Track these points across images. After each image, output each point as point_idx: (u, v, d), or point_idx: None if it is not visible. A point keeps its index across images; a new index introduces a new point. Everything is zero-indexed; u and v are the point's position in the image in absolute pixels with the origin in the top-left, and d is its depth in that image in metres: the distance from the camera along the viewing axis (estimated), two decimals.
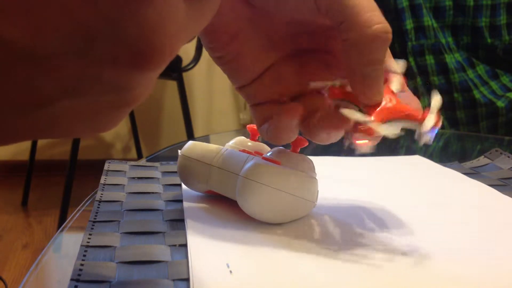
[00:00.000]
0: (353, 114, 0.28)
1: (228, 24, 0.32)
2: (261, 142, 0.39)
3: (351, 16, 0.27)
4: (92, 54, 0.16)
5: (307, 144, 0.35)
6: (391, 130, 0.28)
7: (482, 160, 0.51)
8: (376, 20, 0.27)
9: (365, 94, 0.28)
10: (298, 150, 0.34)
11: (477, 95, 1.34)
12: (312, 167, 0.34)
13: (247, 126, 0.39)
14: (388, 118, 0.28)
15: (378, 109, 0.28)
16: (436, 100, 0.30)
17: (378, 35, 0.27)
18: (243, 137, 0.39)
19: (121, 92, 0.18)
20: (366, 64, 0.28)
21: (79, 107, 0.18)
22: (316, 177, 0.34)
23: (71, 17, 0.15)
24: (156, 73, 0.19)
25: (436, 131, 0.28)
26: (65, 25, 0.16)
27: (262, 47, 0.33)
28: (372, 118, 0.28)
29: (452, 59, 1.36)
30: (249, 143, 0.38)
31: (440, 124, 0.28)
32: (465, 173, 0.47)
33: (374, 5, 0.28)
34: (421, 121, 0.28)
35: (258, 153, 0.36)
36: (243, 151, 0.36)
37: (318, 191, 0.34)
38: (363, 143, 0.29)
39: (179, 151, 0.38)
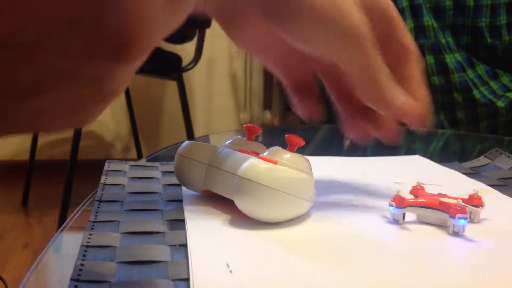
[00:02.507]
0: None
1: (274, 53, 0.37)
2: (259, 142, 0.39)
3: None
4: (71, 45, 0.17)
5: (304, 143, 0.35)
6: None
7: (482, 160, 0.51)
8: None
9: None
10: (295, 150, 0.34)
11: (477, 95, 1.34)
12: (309, 166, 0.34)
13: (244, 125, 0.39)
14: None
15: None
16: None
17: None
18: (240, 137, 0.39)
19: (99, 85, 0.18)
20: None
21: (58, 100, 0.18)
22: (313, 176, 0.34)
23: (51, 6, 0.16)
24: (133, 66, 0.19)
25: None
26: (45, 14, 0.16)
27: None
28: None
29: (452, 59, 1.36)
30: (246, 143, 0.38)
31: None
32: (465, 173, 0.47)
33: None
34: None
35: (255, 153, 0.36)
36: (240, 150, 0.36)
37: (314, 190, 0.34)
38: None
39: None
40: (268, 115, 2.49)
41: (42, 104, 0.18)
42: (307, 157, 0.35)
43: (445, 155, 0.65)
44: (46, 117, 0.18)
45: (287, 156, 0.33)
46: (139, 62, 0.19)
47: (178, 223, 0.34)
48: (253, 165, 0.32)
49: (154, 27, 0.19)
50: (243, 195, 0.32)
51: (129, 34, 0.17)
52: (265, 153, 0.34)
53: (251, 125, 0.39)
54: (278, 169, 0.32)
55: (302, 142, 0.34)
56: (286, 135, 0.35)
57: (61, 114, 0.19)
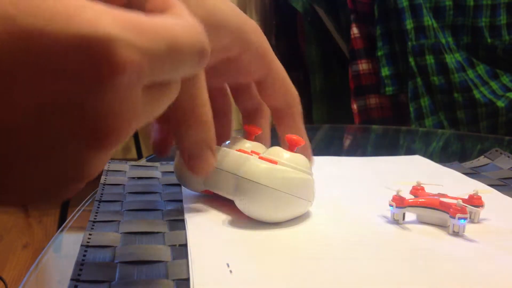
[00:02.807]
0: None
1: None
2: (258, 142, 0.38)
3: None
4: (50, 131, 0.17)
5: (304, 143, 0.35)
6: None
7: (482, 160, 0.51)
8: None
9: None
10: (295, 150, 0.34)
11: (477, 95, 1.34)
12: (309, 166, 0.34)
13: (244, 125, 0.39)
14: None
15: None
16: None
17: None
18: (239, 137, 0.39)
19: (73, 167, 0.19)
20: None
21: (33, 176, 0.19)
22: (313, 176, 0.34)
23: (29, 95, 0.16)
24: (108, 152, 0.20)
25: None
26: (23, 102, 0.16)
27: None
28: None
29: (452, 59, 1.36)
30: (246, 143, 0.38)
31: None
32: (465, 173, 0.47)
33: None
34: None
35: (255, 153, 0.36)
36: (240, 150, 0.36)
37: (314, 190, 0.34)
38: None
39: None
40: None
41: (17, 178, 0.18)
42: None
43: (445, 155, 0.65)
44: (19, 190, 0.19)
45: (287, 156, 0.33)
46: (114, 149, 0.20)
47: (178, 223, 0.34)
48: (253, 165, 0.32)
49: (132, 118, 0.19)
50: (243, 195, 0.32)
51: (107, 124, 0.18)
52: (265, 153, 0.34)
53: (251, 125, 0.39)
54: (278, 169, 0.32)
55: (302, 142, 0.34)
56: (286, 135, 0.35)
57: (33, 189, 0.19)
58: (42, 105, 0.17)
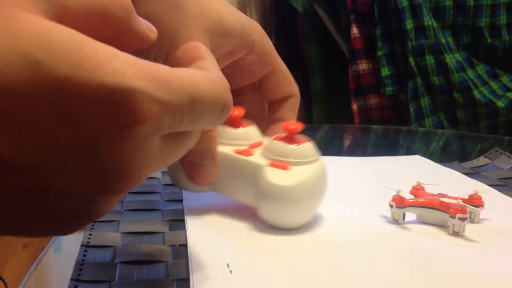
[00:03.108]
0: None
1: None
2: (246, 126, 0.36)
3: None
4: (66, 172, 0.18)
5: (303, 126, 0.34)
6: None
7: (482, 160, 0.51)
8: None
9: None
10: (295, 136, 0.33)
11: (477, 95, 1.34)
12: (314, 149, 0.34)
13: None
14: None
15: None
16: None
17: None
18: (226, 128, 0.36)
19: (86, 208, 0.19)
20: None
21: (45, 214, 0.19)
22: (320, 158, 0.34)
23: (52, 138, 0.17)
24: (120, 196, 0.20)
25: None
26: (46, 145, 0.17)
27: None
28: None
29: (452, 59, 1.35)
30: (235, 134, 0.35)
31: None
32: (465, 173, 0.47)
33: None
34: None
35: (253, 146, 0.35)
36: (238, 152, 0.34)
37: (327, 175, 0.34)
38: None
39: None
40: None
41: (30, 214, 0.19)
42: None
43: (445, 155, 0.65)
44: (30, 225, 0.19)
45: (294, 152, 0.33)
46: (125, 193, 0.20)
47: (178, 223, 0.34)
48: (273, 186, 0.32)
49: (147, 165, 0.20)
50: (268, 206, 0.32)
51: (122, 170, 0.19)
52: (267, 151, 0.33)
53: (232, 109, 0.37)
54: (301, 184, 0.32)
55: (300, 127, 0.33)
56: (283, 123, 0.34)
57: (44, 225, 0.20)
58: (62, 148, 0.17)
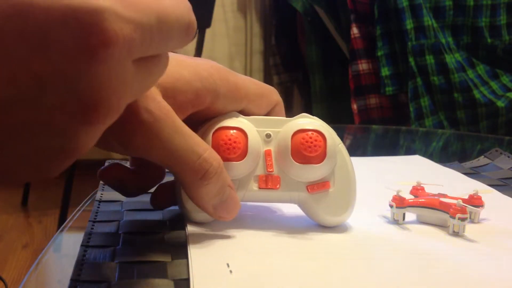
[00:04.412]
0: None
1: None
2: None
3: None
4: (43, 102, 0.17)
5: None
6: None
7: (482, 160, 0.51)
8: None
9: None
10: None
11: (477, 95, 1.34)
12: (333, 132, 0.33)
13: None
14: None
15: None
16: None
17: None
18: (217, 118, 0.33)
19: (67, 141, 0.19)
20: None
21: (26, 152, 0.18)
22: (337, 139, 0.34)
23: (25, 67, 0.16)
24: (101, 127, 0.19)
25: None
26: (19, 74, 0.16)
27: None
28: None
29: (452, 59, 1.36)
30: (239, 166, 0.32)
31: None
32: (465, 173, 0.47)
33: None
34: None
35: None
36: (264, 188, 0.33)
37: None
38: None
39: None
40: None
41: (10, 155, 0.18)
42: None
43: (445, 155, 0.65)
44: (12, 167, 0.19)
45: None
46: (107, 124, 0.20)
47: (178, 224, 0.34)
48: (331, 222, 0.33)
49: (123, 92, 0.19)
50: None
51: (98, 97, 0.18)
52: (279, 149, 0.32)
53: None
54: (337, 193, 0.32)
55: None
56: None
57: (26, 165, 0.19)
58: (35, 77, 0.17)
